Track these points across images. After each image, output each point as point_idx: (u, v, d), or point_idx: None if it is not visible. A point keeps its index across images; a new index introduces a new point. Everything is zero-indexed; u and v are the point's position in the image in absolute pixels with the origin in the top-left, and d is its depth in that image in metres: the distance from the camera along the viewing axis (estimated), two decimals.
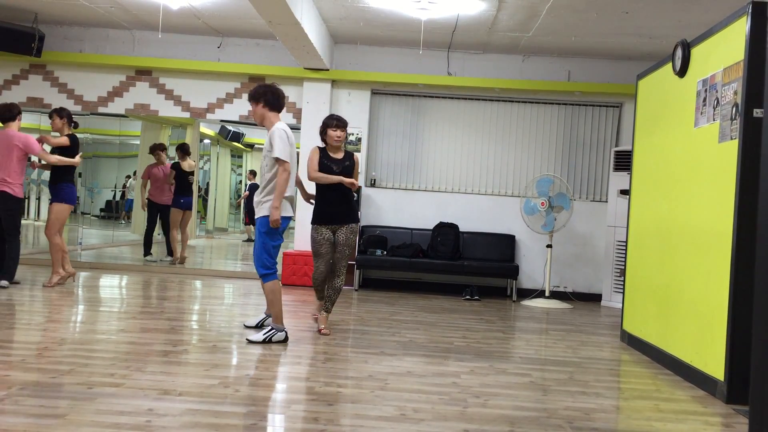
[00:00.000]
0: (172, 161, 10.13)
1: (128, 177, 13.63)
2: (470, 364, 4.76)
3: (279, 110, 5.20)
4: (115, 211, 13.88)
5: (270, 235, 5.03)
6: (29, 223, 12.34)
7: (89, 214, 13.49)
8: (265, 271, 5.06)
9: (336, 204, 5.46)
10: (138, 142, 12.60)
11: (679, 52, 5.19)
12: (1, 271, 6.76)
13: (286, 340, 5.10)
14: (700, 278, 4.62)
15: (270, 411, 3.53)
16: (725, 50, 4.48)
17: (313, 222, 5.49)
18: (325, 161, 5.48)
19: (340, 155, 5.54)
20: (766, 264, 2.38)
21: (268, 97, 5.14)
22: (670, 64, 5.38)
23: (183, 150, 9.95)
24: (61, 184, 7.03)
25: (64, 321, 5.45)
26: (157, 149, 9.96)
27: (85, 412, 3.23)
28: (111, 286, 7.82)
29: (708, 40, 4.78)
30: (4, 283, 6.73)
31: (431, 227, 8.90)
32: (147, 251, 9.88)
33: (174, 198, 9.80)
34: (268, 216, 4.98)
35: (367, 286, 8.95)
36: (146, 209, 9.95)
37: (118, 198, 13.74)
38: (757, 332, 2.35)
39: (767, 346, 2.28)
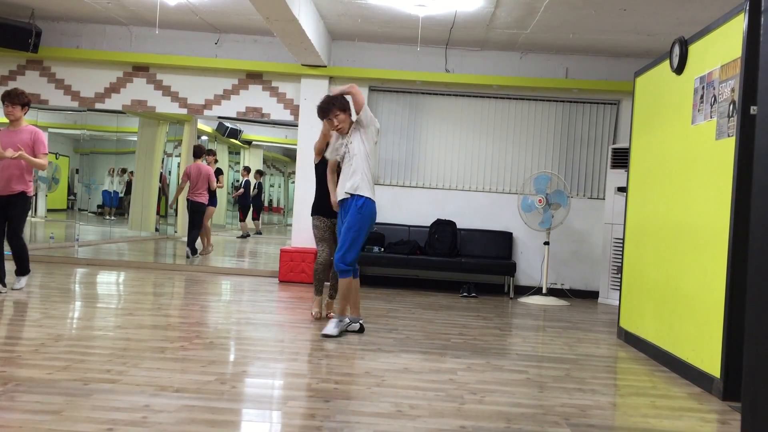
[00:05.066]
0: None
1: (116, 170, 13.66)
2: (467, 361, 4.77)
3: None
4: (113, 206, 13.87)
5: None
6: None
7: (86, 210, 13.47)
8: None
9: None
10: (135, 139, 12.58)
11: (676, 50, 5.19)
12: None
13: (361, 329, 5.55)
14: (697, 275, 4.63)
15: (266, 407, 3.53)
16: (722, 47, 4.48)
17: (313, 213, 5.93)
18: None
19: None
20: (757, 261, 2.38)
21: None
22: (668, 61, 5.38)
23: (212, 153, 10.85)
24: None
25: (60, 317, 5.44)
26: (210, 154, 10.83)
27: (80, 408, 3.23)
28: (108, 282, 7.81)
29: (705, 37, 4.78)
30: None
31: (429, 224, 8.89)
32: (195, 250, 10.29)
33: (210, 197, 10.64)
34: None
35: (364, 283, 8.92)
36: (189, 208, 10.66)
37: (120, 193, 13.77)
38: (749, 328, 2.35)
39: (759, 342, 2.28)
